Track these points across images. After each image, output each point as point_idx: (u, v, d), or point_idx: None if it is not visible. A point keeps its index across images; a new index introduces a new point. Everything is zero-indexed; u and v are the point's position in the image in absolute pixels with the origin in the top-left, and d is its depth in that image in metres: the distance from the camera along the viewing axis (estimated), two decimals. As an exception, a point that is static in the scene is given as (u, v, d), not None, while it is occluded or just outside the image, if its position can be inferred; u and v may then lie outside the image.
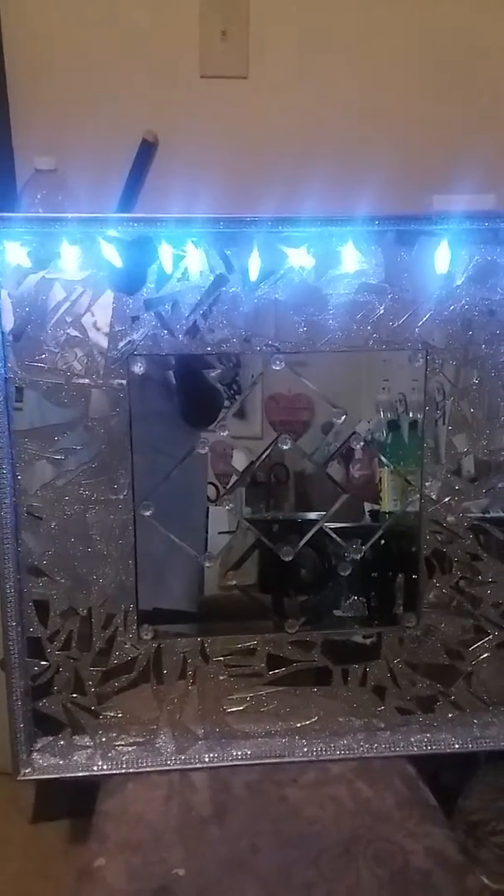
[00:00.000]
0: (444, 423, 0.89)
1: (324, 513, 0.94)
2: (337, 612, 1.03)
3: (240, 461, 0.96)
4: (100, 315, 0.83)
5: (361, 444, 0.91)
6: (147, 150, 1.14)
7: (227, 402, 0.96)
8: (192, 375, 0.95)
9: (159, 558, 0.96)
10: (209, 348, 0.85)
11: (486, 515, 0.91)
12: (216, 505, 1.00)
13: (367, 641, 0.95)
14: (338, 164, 1.05)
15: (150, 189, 1.13)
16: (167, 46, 1.12)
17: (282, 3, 1.11)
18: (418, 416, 0.90)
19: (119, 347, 0.83)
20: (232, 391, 1.05)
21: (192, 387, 0.95)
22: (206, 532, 1.01)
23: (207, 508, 1.01)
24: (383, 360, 0.95)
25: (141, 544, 0.89)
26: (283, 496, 1.04)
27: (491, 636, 0.93)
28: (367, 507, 1.03)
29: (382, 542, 0.96)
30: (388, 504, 1.00)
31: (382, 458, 0.98)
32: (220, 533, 1.01)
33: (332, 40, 1.12)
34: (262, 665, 0.92)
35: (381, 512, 1.01)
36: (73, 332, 0.83)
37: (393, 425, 0.99)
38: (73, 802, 0.99)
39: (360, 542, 0.94)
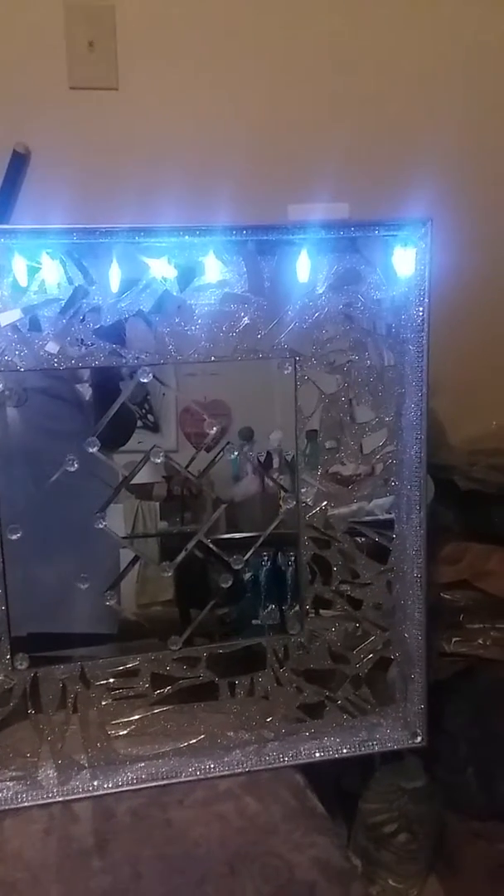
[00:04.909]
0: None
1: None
2: (255, 622, 1.03)
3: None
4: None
5: (234, 454, 0.91)
6: (19, 163, 1.12)
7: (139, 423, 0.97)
8: (105, 395, 0.91)
9: (65, 582, 0.92)
10: (73, 361, 0.82)
11: (362, 519, 0.92)
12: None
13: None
14: (202, 174, 1.05)
15: (19, 201, 1.10)
16: (34, 57, 1.10)
17: (147, 13, 1.11)
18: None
19: (-26, 364, 0.80)
20: (144, 410, 1.03)
21: (106, 407, 0.92)
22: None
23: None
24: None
25: (35, 569, 0.86)
26: (200, 508, 1.03)
27: (373, 637, 0.94)
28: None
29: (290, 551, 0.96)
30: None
31: (256, 466, 0.98)
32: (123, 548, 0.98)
33: (196, 50, 1.12)
34: (147, 686, 0.90)
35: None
36: None
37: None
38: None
39: (275, 551, 0.96)
